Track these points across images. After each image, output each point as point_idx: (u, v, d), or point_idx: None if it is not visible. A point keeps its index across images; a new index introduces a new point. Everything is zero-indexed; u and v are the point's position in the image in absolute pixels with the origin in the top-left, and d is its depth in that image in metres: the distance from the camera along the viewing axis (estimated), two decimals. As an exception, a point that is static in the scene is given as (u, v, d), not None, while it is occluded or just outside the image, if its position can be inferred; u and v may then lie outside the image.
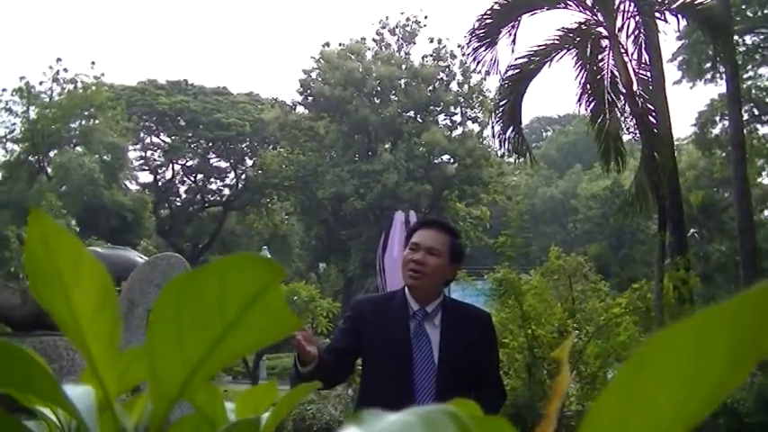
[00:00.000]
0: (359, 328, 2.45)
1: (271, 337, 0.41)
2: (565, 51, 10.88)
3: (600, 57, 10.83)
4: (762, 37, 20.53)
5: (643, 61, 10.55)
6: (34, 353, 0.42)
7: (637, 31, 10.49)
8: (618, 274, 23.62)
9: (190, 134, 32.29)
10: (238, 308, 0.39)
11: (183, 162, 33.64)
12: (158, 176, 33.65)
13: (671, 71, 22.41)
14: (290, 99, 31.18)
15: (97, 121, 25.58)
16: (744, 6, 19.78)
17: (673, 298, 8.22)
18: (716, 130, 22.45)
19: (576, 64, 10.89)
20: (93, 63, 43.33)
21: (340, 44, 29.94)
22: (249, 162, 33.07)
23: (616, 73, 10.61)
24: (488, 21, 10.87)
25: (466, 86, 29.75)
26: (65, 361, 5.73)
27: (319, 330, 9.55)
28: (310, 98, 29.28)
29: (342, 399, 7.74)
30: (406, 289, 2.48)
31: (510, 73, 11.03)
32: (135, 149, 31.82)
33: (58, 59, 28.42)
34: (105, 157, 25.23)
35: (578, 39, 10.84)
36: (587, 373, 7.37)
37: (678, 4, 10.45)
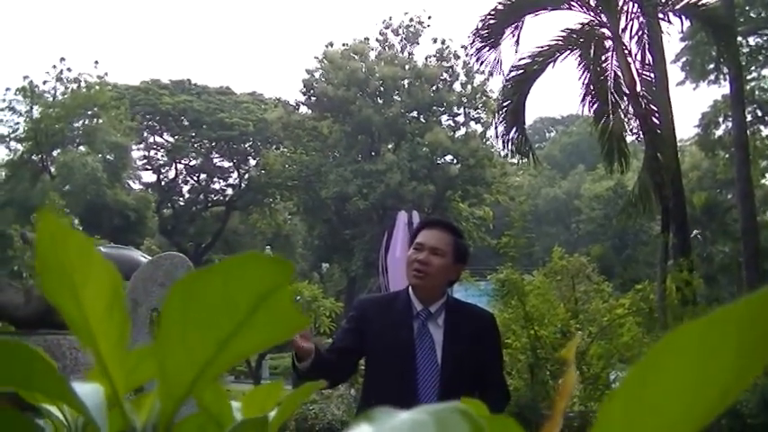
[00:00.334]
0: (362, 327, 2.44)
1: (278, 336, 0.41)
2: (568, 52, 10.88)
3: (603, 57, 10.82)
4: (765, 38, 20.49)
5: (646, 62, 10.54)
6: (41, 351, 0.42)
7: (640, 32, 10.51)
8: (621, 275, 23.57)
9: (193, 134, 32.29)
10: (246, 307, 0.39)
11: (187, 162, 33.63)
12: (161, 176, 33.65)
13: (674, 72, 22.38)
14: (294, 99, 31.30)
15: (100, 121, 25.51)
16: (747, 8, 19.74)
17: (676, 299, 8.22)
18: (719, 132, 22.39)
19: (579, 65, 10.89)
20: (96, 62, 43.08)
21: (343, 44, 29.96)
22: (252, 162, 33.04)
23: (619, 74, 10.60)
24: (492, 21, 10.87)
25: (469, 87, 29.72)
26: (68, 360, 5.74)
27: (322, 330, 9.55)
28: (313, 98, 29.28)
29: (344, 399, 7.73)
30: (410, 289, 2.48)
31: (513, 73, 11.04)
32: (138, 149, 31.83)
33: (62, 59, 28.47)
34: (108, 157, 25.18)
35: (582, 39, 10.83)
36: (590, 374, 7.38)
37: (682, 5, 10.44)
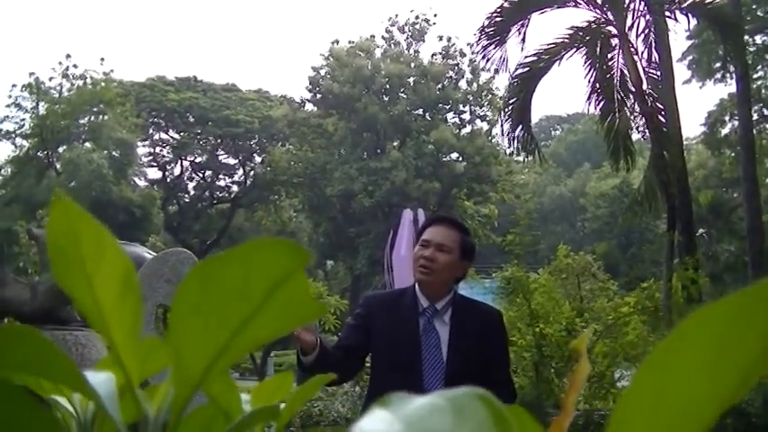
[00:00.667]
0: (368, 324, 2.44)
1: (294, 323, 0.41)
2: (574, 50, 10.84)
3: (609, 56, 10.78)
4: (773, 36, 20.37)
5: (653, 60, 10.51)
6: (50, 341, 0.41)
7: (647, 30, 10.46)
8: (626, 274, 23.54)
9: (199, 131, 32.26)
10: (263, 293, 0.38)
11: (192, 158, 33.61)
12: (167, 173, 33.62)
13: (680, 70, 22.29)
14: (299, 96, 31.21)
15: (106, 117, 25.44)
16: (754, 6, 19.64)
17: (681, 298, 8.21)
18: (725, 130, 22.32)
19: (585, 63, 10.86)
20: (102, 59, 43.07)
21: (349, 42, 29.91)
22: (258, 159, 33.01)
23: (626, 72, 10.57)
24: (498, 19, 10.84)
25: (475, 85, 29.66)
26: (74, 356, 5.77)
27: (327, 328, 9.56)
28: (319, 95, 29.27)
29: (349, 396, 7.75)
30: (416, 285, 2.48)
31: (519, 71, 11.00)
32: (144, 146, 31.73)
33: (68, 55, 28.56)
34: (114, 153, 25.13)
35: (588, 37, 10.80)
36: (595, 373, 7.36)
37: (688, 3, 10.40)
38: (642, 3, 10.48)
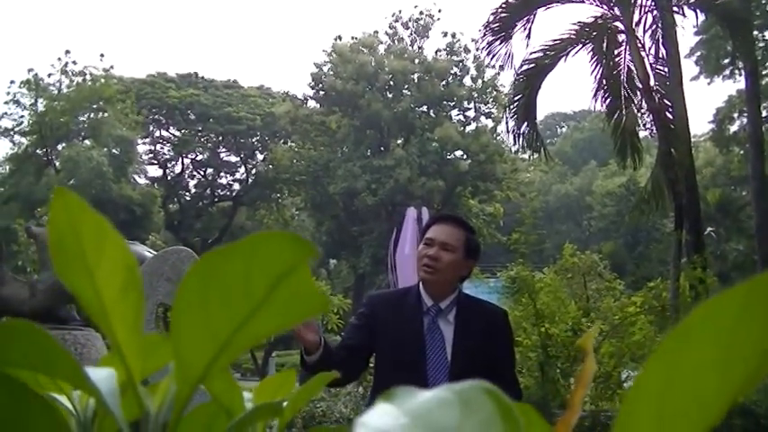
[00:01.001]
0: (372, 324, 2.44)
1: (298, 317, 0.41)
2: (581, 46, 10.81)
3: (616, 52, 10.75)
4: (782, 32, 20.20)
5: (660, 56, 10.46)
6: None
7: (654, 26, 10.42)
8: (633, 273, 23.45)
9: (200, 128, 32.17)
10: (266, 287, 0.38)
11: (193, 156, 33.55)
12: (168, 170, 33.55)
13: (688, 67, 22.17)
14: (302, 93, 31.12)
15: (106, 114, 25.33)
16: (764, 1, 19.47)
17: (689, 297, 8.13)
18: (734, 127, 22.20)
19: (592, 59, 10.84)
20: (102, 55, 43.06)
21: (352, 37, 29.80)
22: (260, 156, 32.93)
23: (633, 68, 10.53)
24: (503, 14, 10.80)
25: (480, 81, 29.54)
26: (73, 356, 5.73)
27: (330, 327, 9.50)
28: (322, 92, 29.18)
29: (352, 396, 7.69)
30: (420, 284, 2.47)
31: (525, 68, 10.96)
32: (144, 143, 31.67)
33: (67, 51, 28.37)
34: (114, 151, 25.01)
35: (594, 33, 10.75)
36: (601, 373, 7.30)
37: (697, -3, 10.31)
38: (650, -2, 10.38)
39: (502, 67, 11.51)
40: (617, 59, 10.74)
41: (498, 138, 28.90)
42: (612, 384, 7.34)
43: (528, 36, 10.83)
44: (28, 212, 18.64)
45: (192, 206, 33.47)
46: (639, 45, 10.40)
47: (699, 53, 21.07)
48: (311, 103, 30.28)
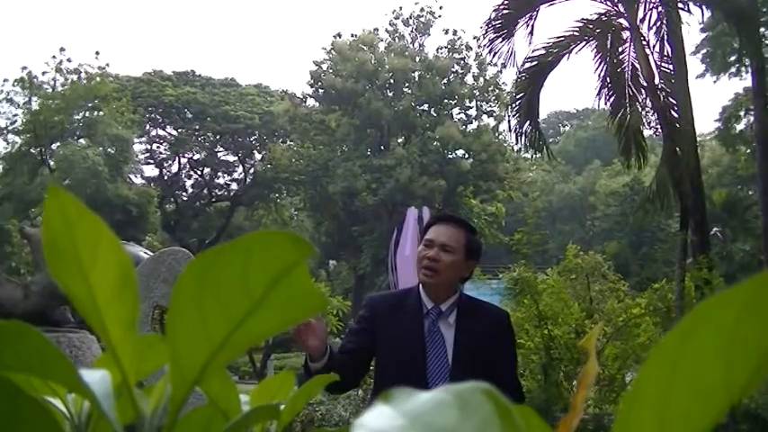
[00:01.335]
0: (372, 327, 2.42)
1: (296, 317, 0.40)
2: (584, 43, 10.77)
3: (621, 49, 10.72)
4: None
5: (665, 54, 10.40)
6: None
7: (659, 23, 10.36)
8: (637, 274, 23.37)
9: (197, 127, 32.08)
10: (264, 286, 0.38)
11: (190, 155, 33.46)
12: (164, 170, 33.47)
13: (694, 64, 22.07)
14: (301, 91, 30.94)
15: (101, 113, 25.25)
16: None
17: (694, 298, 8.14)
18: (740, 126, 22.08)
19: (595, 56, 10.82)
20: (97, 53, 42.52)
21: (352, 35, 29.70)
22: (258, 156, 32.85)
23: (637, 66, 10.47)
24: (505, 11, 10.78)
25: (482, 79, 29.46)
26: (68, 358, 5.66)
27: (329, 329, 9.41)
28: (321, 90, 29.08)
29: (352, 400, 7.61)
30: (421, 286, 2.44)
31: (527, 65, 10.93)
32: (140, 142, 31.60)
33: (62, 49, 28.16)
34: (110, 150, 24.92)
35: (598, 30, 10.70)
36: (605, 376, 7.25)
37: (703, -6, 10.20)
38: (654, -6, 10.27)
39: (504, 65, 11.52)
40: (621, 57, 10.69)
41: (500, 137, 28.83)
42: (616, 387, 7.29)
43: (531, 33, 10.84)
44: (22, 213, 18.58)
45: (189, 206, 33.38)
46: (644, 42, 10.35)
47: (705, 50, 20.97)
48: (310, 102, 30.22)
